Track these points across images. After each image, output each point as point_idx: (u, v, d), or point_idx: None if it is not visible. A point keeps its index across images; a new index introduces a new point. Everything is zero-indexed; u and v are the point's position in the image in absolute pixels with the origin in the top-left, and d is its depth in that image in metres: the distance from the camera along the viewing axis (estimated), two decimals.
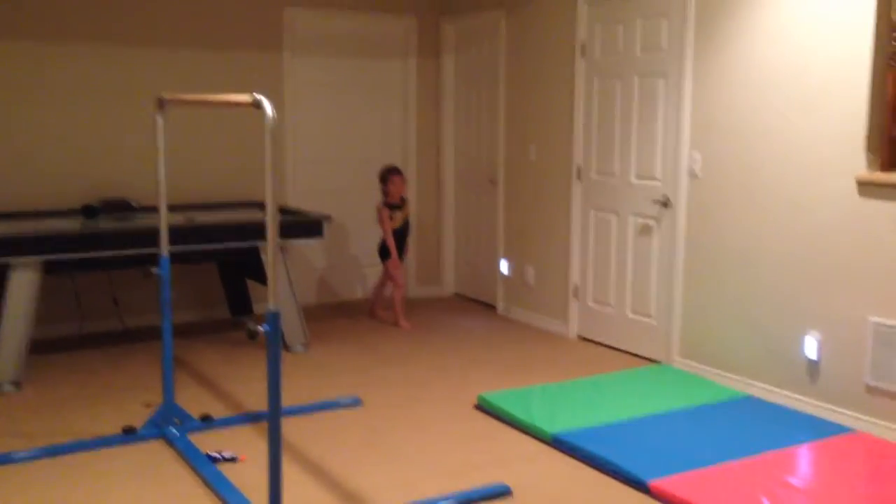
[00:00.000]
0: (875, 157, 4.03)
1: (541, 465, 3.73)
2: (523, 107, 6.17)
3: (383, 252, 6.21)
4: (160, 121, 3.82)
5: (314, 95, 6.60)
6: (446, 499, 3.33)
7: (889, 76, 3.98)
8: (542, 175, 6.03)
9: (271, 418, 2.87)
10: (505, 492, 3.41)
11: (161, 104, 3.79)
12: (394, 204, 6.14)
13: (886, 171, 4.00)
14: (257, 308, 6.19)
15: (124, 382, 4.79)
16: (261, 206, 5.97)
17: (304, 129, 6.57)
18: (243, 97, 2.89)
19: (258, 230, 5.16)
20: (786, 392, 4.44)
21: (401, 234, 6.20)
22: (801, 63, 4.28)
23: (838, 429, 4.03)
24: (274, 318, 2.78)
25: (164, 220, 3.92)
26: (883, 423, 4.00)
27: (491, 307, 6.66)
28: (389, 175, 6.15)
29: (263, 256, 5.21)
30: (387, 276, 6.30)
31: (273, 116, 2.76)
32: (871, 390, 4.05)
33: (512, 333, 5.96)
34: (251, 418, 4.22)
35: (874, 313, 4.02)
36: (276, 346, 2.81)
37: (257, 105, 2.79)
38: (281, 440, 2.95)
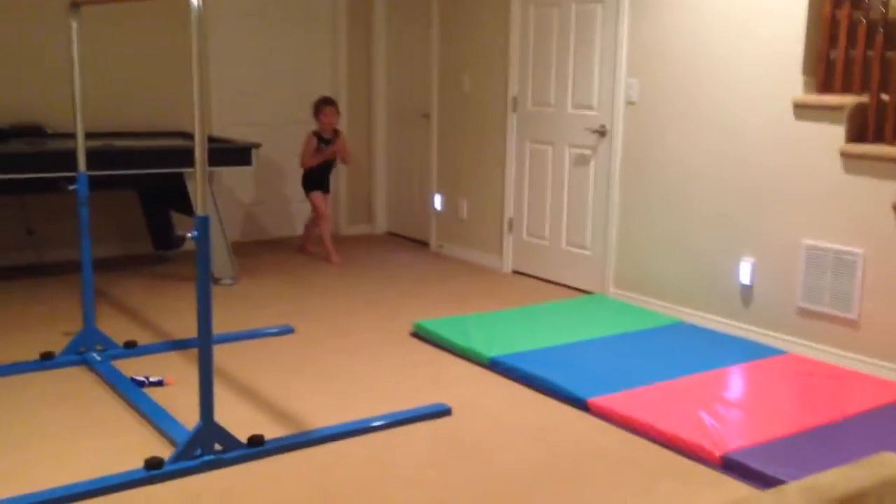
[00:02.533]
0: (811, 80, 4.04)
1: (479, 387, 3.68)
2: (457, 37, 6.03)
3: (307, 183, 6.04)
4: (74, 25, 3.56)
5: (239, 23, 6.31)
6: (383, 418, 3.25)
7: None
8: (476, 107, 5.92)
9: (202, 329, 2.73)
10: (444, 411, 3.36)
11: (74, 6, 3.53)
12: (325, 137, 5.97)
13: (822, 93, 4.02)
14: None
15: (41, 312, 4.55)
16: (185, 135, 5.71)
17: (228, 59, 6.29)
18: None
19: (183, 156, 4.93)
20: (720, 318, 4.49)
21: (325, 168, 6.04)
22: None
23: (771, 351, 4.09)
24: (203, 223, 2.63)
25: (80, 137, 3.68)
26: (813, 344, 4.07)
27: (424, 244, 6.57)
28: (322, 106, 5.96)
29: (189, 184, 4.99)
30: (314, 211, 6.15)
31: (199, 6, 2.57)
32: (802, 312, 4.11)
33: (446, 268, 5.89)
34: (178, 345, 4.05)
35: (807, 236, 4.07)
36: (206, 251, 2.66)
37: None
38: (212, 354, 2.82)
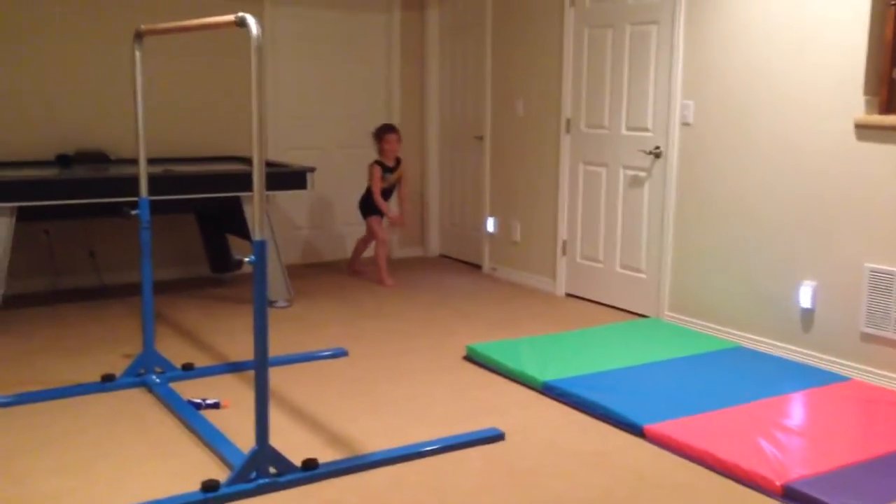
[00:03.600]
0: (873, 100, 3.95)
1: (533, 412, 3.65)
2: (510, 60, 6.05)
3: (365, 208, 6.05)
4: (138, 54, 3.66)
5: (296, 48, 6.43)
6: (436, 442, 3.24)
7: (888, 15, 3.89)
8: (530, 129, 5.92)
9: (258, 353, 2.75)
10: (497, 436, 3.33)
11: (139, 36, 3.63)
12: (388, 165, 6.00)
13: (884, 113, 3.92)
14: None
15: (102, 334, 4.65)
16: (242, 160, 5.82)
17: (284, 84, 6.40)
18: (226, 18, 2.75)
19: (240, 180, 5.02)
20: (780, 343, 4.38)
21: (385, 194, 6.04)
22: (797, 4, 4.19)
23: (833, 377, 3.98)
24: (260, 247, 2.67)
25: (142, 162, 3.77)
26: (877, 370, 3.95)
27: (477, 267, 6.56)
28: (384, 133, 5.97)
29: (246, 208, 5.07)
30: (370, 234, 6.16)
31: (259, 35, 2.62)
32: (865, 338, 4.00)
33: (498, 291, 5.88)
34: (234, 367, 4.10)
35: (870, 259, 3.96)
36: (262, 276, 2.69)
37: (241, 23, 2.65)
38: (268, 378, 2.85)
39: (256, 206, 2.70)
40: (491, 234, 6.37)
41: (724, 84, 4.58)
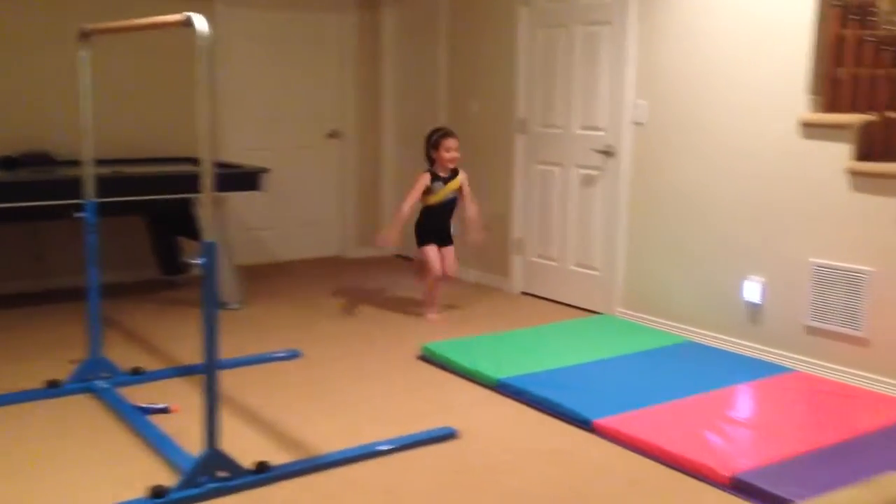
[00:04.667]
0: (818, 99, 4.03)
1: (486, 410, 3.66)
2: (465, 60, 6.06)
3: (421, 234, 5.03)
4: (84, 54, 3.59)
5: (250, 49, 6.37)
6: (390, 442, 3.24)
7: (832, 16, 3.98)
8: (484, 129, 5.94)
9: (207, 355, 2.72)
10: (450, 434, 3.34)
11: (84, 35, 3.57)
12: (438, 175, 4.97)
13: (829, 112, 4.01)
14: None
15: (48, 340, 4.56)
16: (194, 161, 5.74)
17: (239, 84, 6.34)
18: (173, 17, 2.72)
19: (190, 182, 4.94)
20: (728, 337, 4.46)
21: (442, 211, 4.99)
22: (745, 6, 4.26)
23: (779, 369, 4.06)
24: (209, 249, 2.64)
25: (89, 164, 3.71)
26: (822, 362, 4.03)
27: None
28: (441, 139, 4.91)
29: (196, 209, 5.00)
30: (422, 267, 5.12)
31: (206, 34, 2.59)
32: (810, 331, 4.09)
33: (454, 290, 5.88)
34: (185, 371, 4.05)
35: (815, 255, 4.05)
36: (211, 277, 2.66)
37: (188, 23, 2.62)
38: (217, 380, 2.82)
39: (206, 207, 2.67)
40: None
41: (676, 84, 4.64)
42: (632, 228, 4.97)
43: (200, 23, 2.60)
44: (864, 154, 3.88)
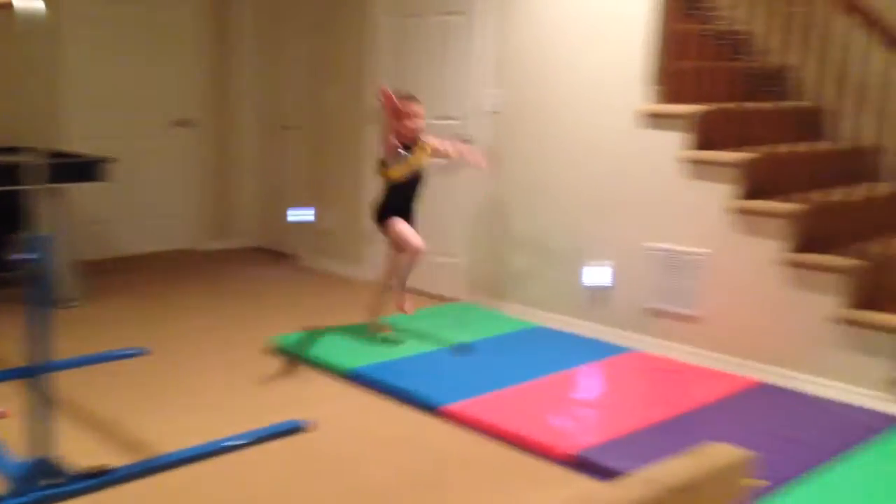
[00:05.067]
0: (657, 90, 4.22)
1: (338, 401, 3.65)
2: (319, 50, 5.98)
3: (385, 209, 4.25)
4: None
5: (94, 34, 6.03)
6: (239, 437, 3.17)
7: (670, 9, 4.16)
8: (339, 119, 5.89)
9: (36, 355, 2.58)
10: (300, 427, 3.31)
11: None
12: (405, 144, 4.16)
13: (666, 102, 4.20)
14: None
15: None
16: (32, 151, 5.40)
17: (82, 70, 6.00)
18: None
19: (23, 172, 4.66)
20: (574, 320, 4.62)
21: (408, 188, 4.25)
22: None
23: (620, 349, 4.25)
24: (41, 243, 2.49)
25: None
26: (660, 341, 4.25)
27: (290, 257, 6.47)
28: (405, 102, 4.13)
29: (30, 201, 4.71)
30: (397, 243, 4.27)
31: (33, 13, 2.44)
32: (649, 312, 4.29)
33: (311, 281, 5.82)
34: (20, 373, 3.82)
35: (653, 239, 4.25)
36: (43, 273, 2.52)
37: (14, 5, 2.46)
38: (48, 382, 2.68)
39: (37, 199, 2.52)
40: (304, 224, 6.29)
41: (529, 74, 4.76)
42: (487, 216, 5.06)
43: (29, 6, 2.44)
44: (699, 144, 4.10)
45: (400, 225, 4.17)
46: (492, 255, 5.05)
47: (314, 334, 4.35)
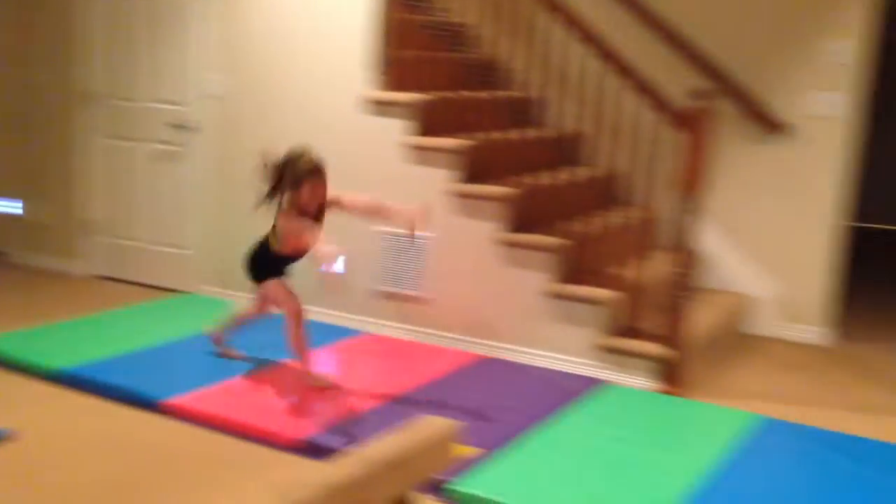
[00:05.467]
0: (379, 77, 4.30)
1: (46, 405, 3.37)
2: (22, 25, 5.44)
3: (260, 267, 3.74)
4: None
5: None
6: None
7: (392, 1, 4.25)
8: (45, 104, 5.40)
9: None
10: (2, 436, 3.02)
11: None
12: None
13: (388, 90, 4.29)
14: None
15: None
16: None
17: None
18: None
19: None
20: (307, 306, 4.59)
21: (291, 259, 3.75)
22: None
23: (351, 332, 4.31)
24: None
25: None
26: (389, 322, 4.35)
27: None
28: (307, 180, 3.50)
29: None
30: (264, 303, 3.86)
31: None
32: (378, 294, 4.39)
33: (20, 279, 5.32)
34: None
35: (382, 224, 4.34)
36: None
37: None
38: None
39: None
40: (11, 217, 5.71)
41: (255, 57, 4.65)
42: (217, 205, 4.90)
43: None
44: (421, 130, 4.23)
45: (278, 286, 3.71)
46: (223, 245, 4.90)
47: (22, 335, 3.98)
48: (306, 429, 3.10)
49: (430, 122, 4.23)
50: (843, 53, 4.32)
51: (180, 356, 3.86)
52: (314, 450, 2.99)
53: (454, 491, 2.72)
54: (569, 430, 3.22)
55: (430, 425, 2.10)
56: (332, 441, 2.99)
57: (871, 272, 5.18)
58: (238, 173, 4.77)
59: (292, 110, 4.55)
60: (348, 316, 4.46)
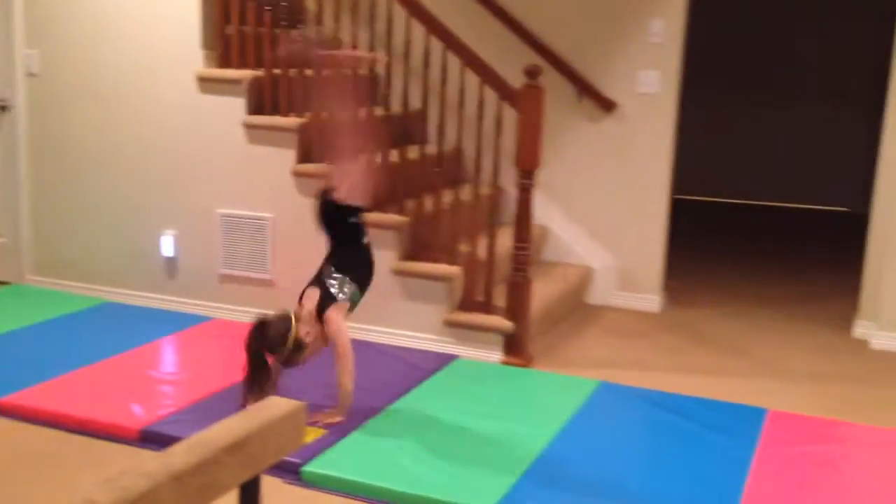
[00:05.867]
0: (211, 54, 4.17)
1: None
2: None
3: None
4: None
5: None
6: None
7: None
8: None
9: None
10: None
11: None
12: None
13: (222, 67, 4.17)
14: None
15: None
16: None
17: None
18: None
19: None
20: (148, 294, 4.43)
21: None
22: None
23: (197, 319, 4.18)
24: None
25: None
26: (236, 307, 4.25)
27: None
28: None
29: None
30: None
31: None
32: (223, 278, 4.28)
33: None
34: None
35: (223, 205, 4.23)
36: None
37: None
38: None
39: None
40: None
41: (74, 33, 4.39)
42: (37, 189, 4.61)
43: None
44: (257, 108, 4.13)
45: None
46: (47, 231, 4.63)
47: None
48: (147, 418, 2.99)
49: (271, 100, 4.14)
50: (661, 33, 4.55)
51: (6, 351, 3.63)
52: (155, 439, 2.89)
53: (306, 472, 2.70)
54: (419, 406, 3.26)
55: (275, 407, 2.07)
56: (174, 429, 2.90)
57: (689, 241, 5.52)
58: (57, 156, 4.51)
59: (117, 89, 4.34)
60: (194, 302, 4.32)
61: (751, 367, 3.96)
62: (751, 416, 3.26)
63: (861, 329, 4.35)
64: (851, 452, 3.02)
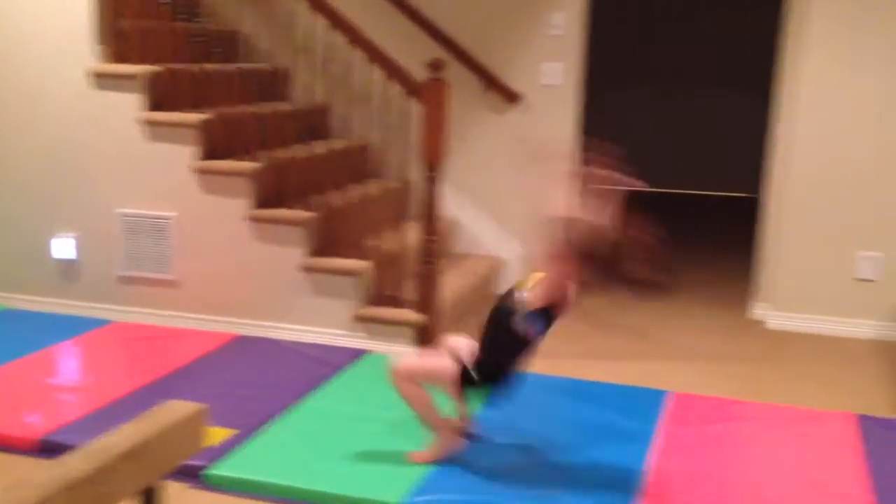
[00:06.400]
0: (105, 49, 4.03)
1: None
2: None
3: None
4: None
5: None
6: None
7: None
8: None
9: None
10: None
11: None
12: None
13: (116, 62, 4.04)
14: None
15: None
16: None
17: None
18: None
19: None
20: (43, 298, 4.27)
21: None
22: None
23: (97, 322, 4.04)
24: None
25: None
26: (138, 309, 4.13)
27: None
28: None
29: None
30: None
31: None
32: (123, 280, 4.15)
33: None
34: None
35: (122, 205, 4.10)
36: None
37: None
38: None
39: None
40: None
41: None
42: None
43: None
44: (155, 104, 4.02)
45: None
46: None
47: None
48: (44, 428, 2.88)
49: (166, 95, 4.04)
50: (562, 25, 4.62)
51: None
52: (56, 449, 2.78)
53: (210, 475, 2.65)
54: (327, 402, 3.23)
55: (173, 411, 2.03)
56: (73, 438, 2.80)
57: None
58: None
59: (6, 86, 4.16)
60: (94, 305, 4.18)
61: (654, 350, 4.08)
62: (652, 398, 3.35)
63: (758, 310, 4.53)
64: (749, 430, 3.14)
